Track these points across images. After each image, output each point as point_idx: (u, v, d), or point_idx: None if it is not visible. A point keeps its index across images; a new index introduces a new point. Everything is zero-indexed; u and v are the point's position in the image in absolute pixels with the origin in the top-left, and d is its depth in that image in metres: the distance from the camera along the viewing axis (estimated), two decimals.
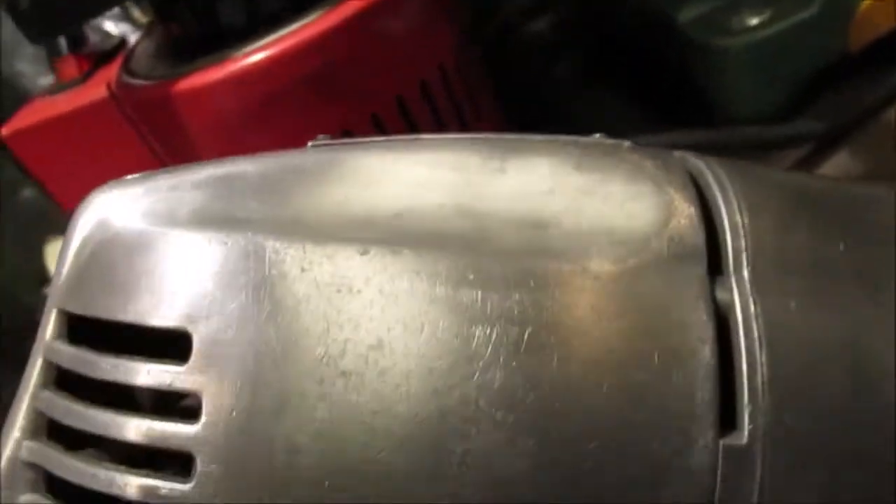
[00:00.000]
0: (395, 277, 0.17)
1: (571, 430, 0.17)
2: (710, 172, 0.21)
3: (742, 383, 0.18)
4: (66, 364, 0.18)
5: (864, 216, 0.21)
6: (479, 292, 0.17)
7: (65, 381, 0.18)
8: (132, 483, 0.16)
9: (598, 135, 0.22)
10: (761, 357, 0.18)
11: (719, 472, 0.17)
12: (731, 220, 0.19)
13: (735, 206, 0.20)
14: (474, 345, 0.17)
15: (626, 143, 0.21)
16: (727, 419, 0.18)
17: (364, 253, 0.17)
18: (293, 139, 0.20)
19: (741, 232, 0.19)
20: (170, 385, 0.16)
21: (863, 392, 0.18)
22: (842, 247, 0.20)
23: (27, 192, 0.48)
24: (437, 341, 0.17)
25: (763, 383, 0.18)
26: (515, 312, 0.17)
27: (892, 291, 0.19)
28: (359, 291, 0.17)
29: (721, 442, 0.17)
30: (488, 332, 0.17)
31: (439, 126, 0.29)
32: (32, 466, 0.18)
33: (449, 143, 0.21)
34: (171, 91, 0.32)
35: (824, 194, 0.22)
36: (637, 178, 0.20)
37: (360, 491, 0.16)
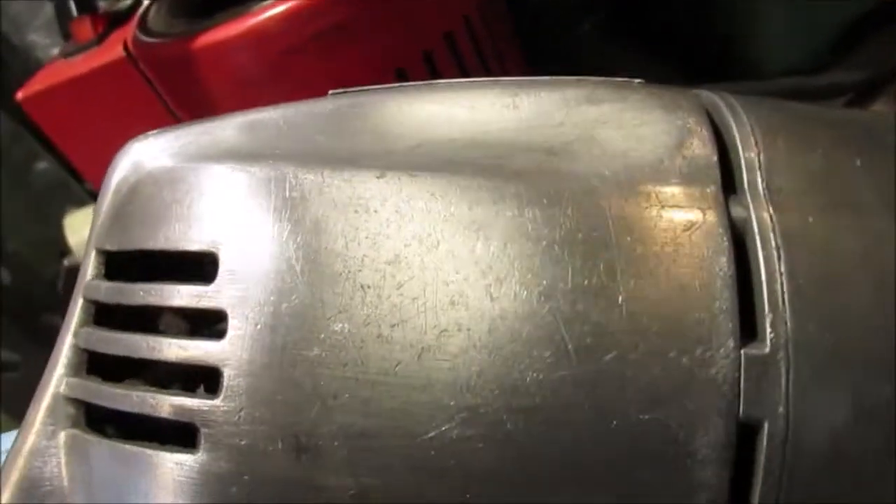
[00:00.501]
0: (410, 198, 0.18)
1: (588, 342, 0.17)
2: (723, 101, 0.21)
3: (761, 293, 0.18)
4: (104, 298, 0.19)
5: (880, 137, 0.21)
6: (494, 209, 0.18)
7: (103, 317, 0.19)
8: (164, 402, 0.17)
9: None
10: (780, 267, 0.18)
11: (742, 382, 0.17)
12: (744, 141, 0.20)
13: (748, 129, 0.20)
14: (489, 259, 0.17)
15: (637, 81, 0.22)
16: (749, 331, 0.18)
17: (381, 177, 0.18)
18: (311, 93, 0.21)
19: (755, 151, 0.19)
20: (198, 303, 0.17)
21: (886, 302, 0.18)
22: (858, 163, 0.20)
23: (44, 164, 0.49)
24: (453, 256, 0.17)
25: (783, 293, 0.18)
26: (529, 228, 0.18)
27: None
28: (375, 211, 0.17)
29: (743, 351, 0.17)
30: (502, 246, 0.17)
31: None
32: (73, 402, 0.19)
33: (462, 85, 0.21)
34: (190, 48, 0.31)
35: (839, 118, 0.21)
36: (648, 106, 0.20)
37: (380, 403, 0.17)
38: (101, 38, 0.40)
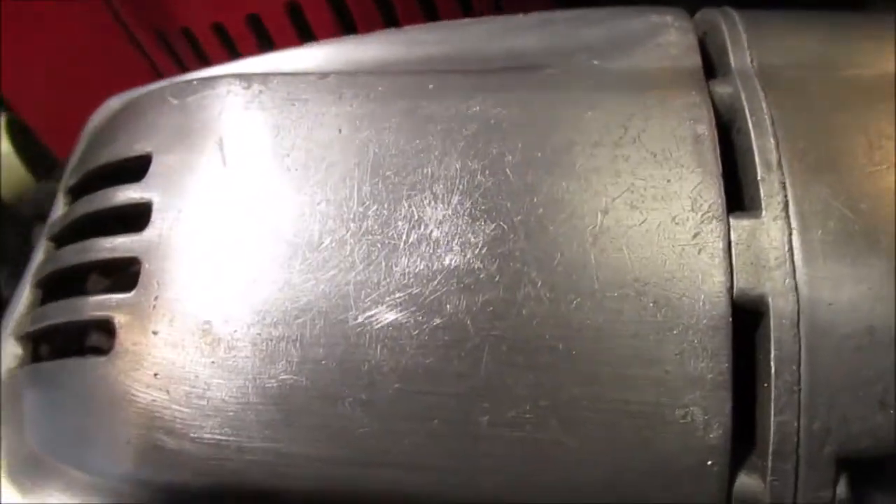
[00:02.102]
0: (348, 92, 0.17)
1: (571, 199, 0.15)
2: (717, 9, 0.19)
3: (752, 160, 0.15)
4: (59, 227, 0.18)
5: (871, 22, 0.18)
6: (438, 103, 0.16)
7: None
8: (86, 303, 0.16)
9: None
10: (773, 131, 0.15)
11: (733, 251, 0.14)
12: (731, 29, 0.17)
13: (736, 20, 0.18)
14: (428, 140, 0.16)
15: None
16: (739, 204, 0.15)
17: (322, 77, 0.17)
18: None
19: (743, 36, 0.17)
20: (128, 199, 0.16)
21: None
22: (850, 40, 0.17)
23: None
24: (397, 138, 0.16)
25: (779, 156, 0.15)
26: (476, 110, 0.16)
27: None
28: (306, 100, 0.16)
29: (731, 219, 0.14)
30: (440, 128, 0.16)
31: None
32: (21, 340, 0.18)
33: (428, 26, 0.21)
34: None
35: (826, 12, 0.19)
36: (621, 13, 0.19)
37: (301, 287, 0.15)
38: None
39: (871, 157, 0.15)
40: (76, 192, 0.19)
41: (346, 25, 0.26)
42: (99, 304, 0.16)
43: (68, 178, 0.20)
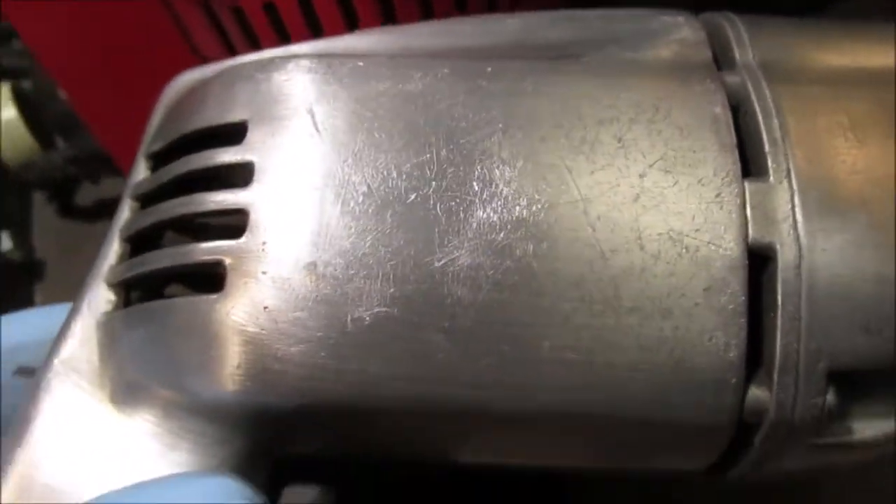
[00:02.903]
0: (415, 71, 0.19)
1: (591, 175, 0.18)
2: (719, 13, 0.22)
3: (760, 135, 0.18)
4: (148, 188, 0.21)
5: (867, 27, 0.22)
6: (496, 78, 0.19)
7: (149, 203, 0.21)
8: (195, 249, 0.18)
9: None
10: (776, 114, 0.19)
11: (749, 208, 0.17)
12: (734, 31, 0.21)
13: (737, 24, 0.21)
14: (492, 111, 0.19)
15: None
16: (751, 172, 0.18)
17: (392, 58, 0.20)
18: None
19: (744, 36, 0.21)
20: (233, 160, 0.19)
21: (886, 145, 0.18)
22: (845, 43, 0.21)
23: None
24: (459, 111, 0.19)
25: (782, 132, 0.18)
26: (529, 88, 0.19)
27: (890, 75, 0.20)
28: (382, 77, 0.19)
29: (746, 183, 0.18)
30: (504, 100, 0.19)
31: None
32: (115, 287, 0.20)
33: (475, 18, 0.23)
34: None
35: (823, 19, 0.23)
36: (646, 14, 0.22)
37: (391, 235, 0.17)
38: None
39: (852, 134, 0.18)
40: (162, 157, 0.21)
41: (385, 14, 0.29)
42: (210, 249, 0.18)
43: (150, 145, 0.22)
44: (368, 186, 0.18)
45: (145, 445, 0.19)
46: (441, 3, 0.28)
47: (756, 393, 0.17)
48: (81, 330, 0.20)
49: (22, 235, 0.41)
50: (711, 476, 0.20)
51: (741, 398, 0.17)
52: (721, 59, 0.21)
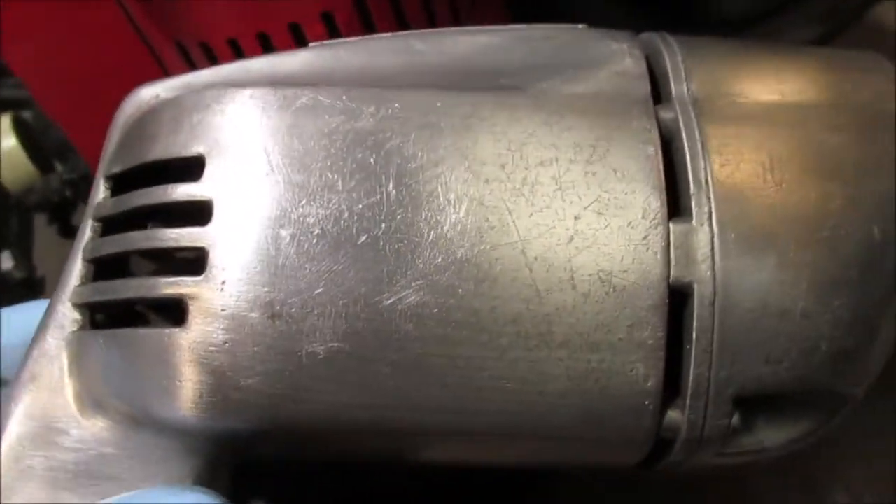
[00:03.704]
0: (370, 105, 0.20)
1: (530, 217, 0.19)
2: (658, 36, 0.23)
3: (686, 176, 0.20)
4: (109, 212, 0.21)
5: (801, 53, 0.23)
6: (443, 112, 0.20)
7: (110, 231, 0.22)
8: (158, 284, 0.19)
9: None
10: (703, 154, 0.20)
11: (672, 250, 0.19)
12: (672, 61, 0.22)
13: (676, 52, 0.22)
14: (439, 149, 0.20)
15: (581, 26, 0.24)
16: (678, 212, 0.20)
17: (346, 91, 0.21)
18: None
19: (680, 67, 0.22)
20: (189, 197, 0.19)
21: (806, 184, 0.20)
22: (777, 72, 0.22)
23: None
24: (409, 150, 0.20)
25: (707, 175, 0.20)
26: (475, 124, 0.20)
27: (825, 104, 0.21)
28: (335, 113, 0.20)
29: (671, 224, 0.19)
30: (452, 140, 0.20)
31: (428, 14, 0.32)
32: (79, 307, 0.21)
33: (430, 34, 0.24)
34: None
35: (764, 45, 0.24)
36: (590, 38, 0.23)
37: (345, 273, 0.19)
38: None
39: (770, 176, 0.20)
40: (121, 181, 0.22)
41: None
42: (172, 285, 0.19)
43: (109, 165, 0.22)
44: (322, 228, 0.19)
45: (112, 458, 0.20)
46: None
47: (672, 415, 0.20)
48: (50, 346, 0.21)
49: (23, 255, 0.43)
50: (640, 469, 0.22)
51: (659, 420, 0.19)
52: (660, 89, 0.22)
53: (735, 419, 0.20)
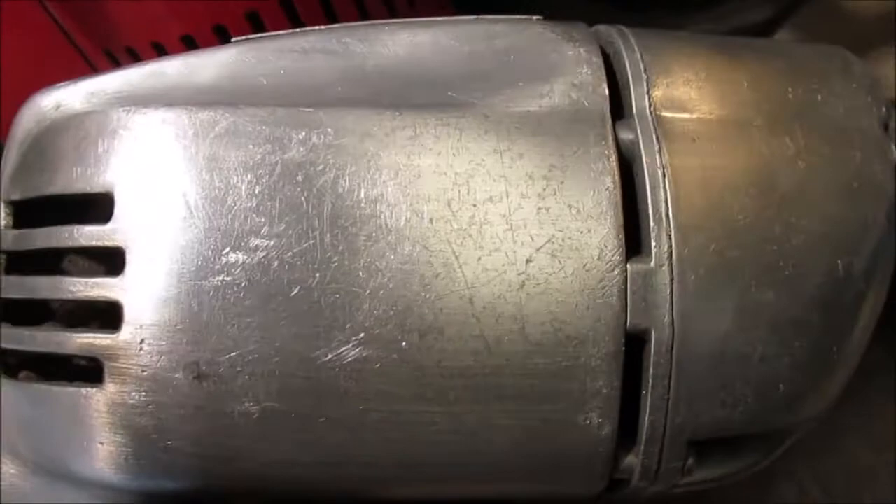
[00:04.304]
0: (301, 131, 0.18)
1: (478, 261, 0.18)
2: (617, 32, 0.21)
3: (647, 209, 0.18)
4: (10, 246, 0.19)
5: (769, 60, 0.21)
6: (383, 139, 0.18)
7: (15, 266, 0.20)
8: (69, 339, 0.18)
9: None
10: (665, 184, 0.18)
11: (629, 295, 0.18)
12: (633, 68, 0.20)
13: (638, 56, 0.20)
14: (378, 185, 0.18)
15: (536, 17, 0.22)
16: (636, 248, 0.19)
17: (272, 113, 0.18)
18: None
19: (643, 76, 0.20)
20: (98, 243, 0.17)
21: (767, 215, 0.19)
22: (745, 84, 0.20)
23: None
24: (343, 187, 0.18)
25: (668, 208, 0.18)
26: (433, 160, 0.18)
27: (793, 122, 0.20)
28: (266, 144, 0.18)
29: (628, 265, 0.18)
30: (392, 174, 0.18)
31: (361, 13, 0.30)
32: None
33: (362, 27, 0.21)
34: None
35: (731, 44, 0.22)
36: (543, 39, 0.21)
37: (276, 329, 0.17)
38: None
39: (733, 208, 0.19)
40: (23, 208, 0.19)
41: None
42: (86, 343, 0.17)
43: (9, 188, 0.20)
44: (249, 279, 0.17)
45: (32, 494, 0.19)
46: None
47: (627, 459, 0.19)
48: None
49: None
50: (597, 499, 0.22)
51: (613, 464, 0.19)
52: (620, 99, 0.20)
53: (690, 461, 0.19)
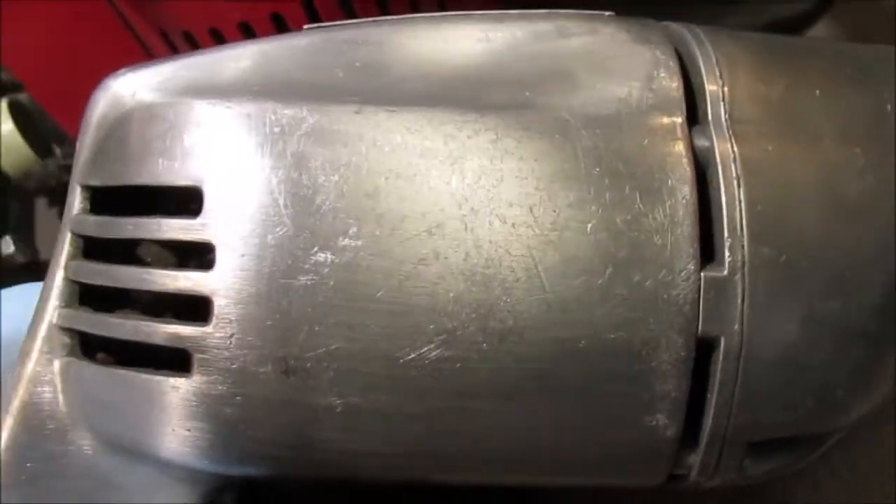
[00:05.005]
0: (387, 132, 0.18)
1: (558, 267, 0.18)
2: (690, 33, 0.21)
3: (721, 219, 0.19)
4: (92, 232, 0.19)
5: (841, 67, 0.22)
6: (469, 143, 0.18)
7: (92, 250, 0.20)
8: (158, 329, 0.18)
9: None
10: (739, 194, 0.19)
11: (701, 302, 0.18)
12: (709, 73, 0.20)
13: (713, 60, 0.20)
14: (464, 191, 0.18)
15: (608, 13, 0.22)
16: (709, 254, 0.19)
17: (358, 112, 0.18)
18: None
19: (718, 83, 0.20)
20: (186, 236, 0.18)
21: (837, 227, 0.19)
22: (818, 93, 0.20)
23: None
24: (429, 188, 0.18)
25: (741, 219, 0.19)
26: (502, 161, 0.18)
27: (862, 133, 0.20)
28: (353, 145, 0.18)
29: (702, 274, 0.18)
30: (477, 179, 0.18)
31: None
32: (67, 331, 0.20)
33: (435, 20, 0.21)
34: None
35: (801, 48, 0.22)
36: (618, 40, 0.21)
37: (363, 328, 0.18)
38: None
39: (804, 218, 0.19)
40: (102, 195, 0.20)
41: None
42: (175, 335, 0.18)
43: (86, 172, 0.20)
44: (336, 279, 0.17)
45: (111, 486, 0.20)
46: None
47: (688, 457, 0.20)
48: (39, 356, 0.20)
49: (24, 239, 0.43)
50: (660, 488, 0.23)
51: (674, 462, 0.20)
52: (695, 104, 0.20)
53: (746, 461, 0.20)
